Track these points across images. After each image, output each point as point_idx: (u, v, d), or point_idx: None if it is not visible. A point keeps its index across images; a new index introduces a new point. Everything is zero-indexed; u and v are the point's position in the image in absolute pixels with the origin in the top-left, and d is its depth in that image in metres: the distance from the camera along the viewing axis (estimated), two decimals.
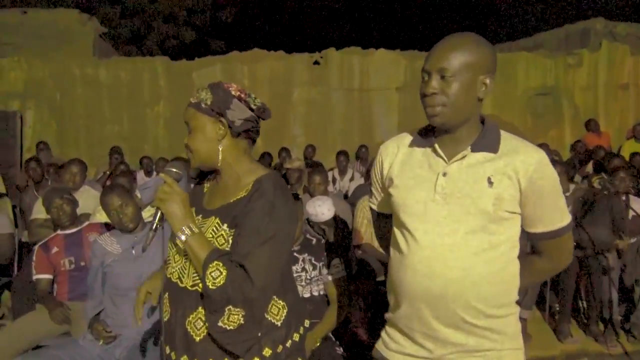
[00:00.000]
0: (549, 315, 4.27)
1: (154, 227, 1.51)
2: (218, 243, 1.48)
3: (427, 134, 1.52)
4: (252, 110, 1.57)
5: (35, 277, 3.24)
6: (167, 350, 1.56)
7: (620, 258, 4.12)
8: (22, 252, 4.39)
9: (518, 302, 1.50)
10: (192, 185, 1.77)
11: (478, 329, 1.41)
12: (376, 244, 3.74)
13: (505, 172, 1.39)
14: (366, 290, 3.55)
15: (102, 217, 3.53)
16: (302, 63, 8.89)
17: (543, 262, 1.54)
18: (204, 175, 1.71)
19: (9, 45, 9.19)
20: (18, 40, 9.36)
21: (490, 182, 1.38)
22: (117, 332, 2.68)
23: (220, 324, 1.43)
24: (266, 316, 1.51)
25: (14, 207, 5.21)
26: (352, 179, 6.56)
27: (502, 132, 1.47)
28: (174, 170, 1.54)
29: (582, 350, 3.94)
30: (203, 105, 1.53)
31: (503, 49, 11.22)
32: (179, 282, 1.54)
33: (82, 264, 3.21)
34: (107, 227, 3.33)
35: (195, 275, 1.49)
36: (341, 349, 2.72)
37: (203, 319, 1.47)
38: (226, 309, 1.42)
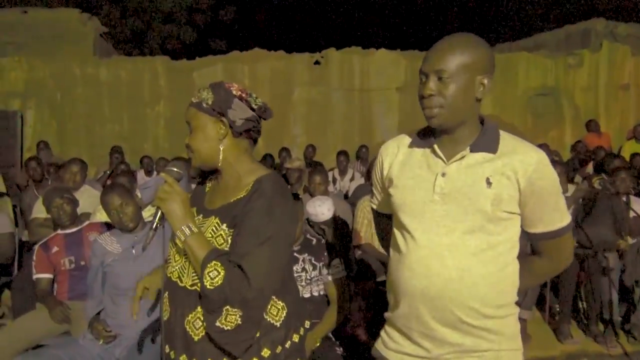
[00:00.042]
0: (549, 315, 4.27)
1: (154, 226, 1.52)
2: (217, 243, 1.48)
3: (426, 135, 1.52)
4: (253, 110, 1.57)
5: (35, 276, 3.24)
6: (167, 349, 1.57)
7: (621, 259, 4.12)
8: (22, 251, 4.39)
9: (518, 303, 1.50)
10: (192, 185, 1.78)
11: (475, 329, 1.41)
12: (376, 244, 3.75)
13: (504, 172, 1.39)
14: (366, 291, 3.55)
15: (102, 216, 3.53)
16: (302, 63, 8.89)
17: (543, 262, 1.54)
18: (206, 175, 1.71)
19: (10, 45, 9.20)
20: (18, 40, 9.37)
21: (488, 183, 1.39)
22: (117, 331, 2.69)
23: (217, 324, 1.43)
24: (265, 317, 1.51)
25: (14, 206, 5.21)
26: (352, 179, 6.56)
27: (502, 133, 1.47)
28: (175, 169, 1.54)
29: (582, 351, 3.94)
30: (204, 105, 1.53)
31: (503, 49, 11.22)
32: (178, 281, 1.54)
33: (82, 263, 3.22)
34: (108, 226, 3.33)
35: (194, 274, 1.49)
36: (341, 349, 2.72)
37: (202, 318, 1.47)
38: (224, 309, 1.42)
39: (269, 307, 1.52)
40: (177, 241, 1.50)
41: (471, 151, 1.43)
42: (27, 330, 3.03)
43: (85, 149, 8.35)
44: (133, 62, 9.18)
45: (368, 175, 4.90)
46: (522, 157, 1.39)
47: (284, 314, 1.55)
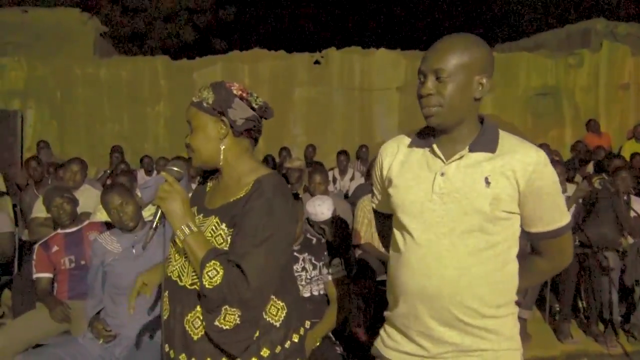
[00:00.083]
0: (549, 315, 4.27)
1: (154, 225, 1.52)
2: (217, 242, 1.49)
3: (426, 135, 1.53)
4: (253, 109, 1.57)
5: (35, 275, 3.24)
6: (166, 348, 1.57)
7: (622, 259, 4.12)
8: (22, 250, 4.39)
9: (518, 302, 1.50)
10: (192, 185, 1.78)
11: (474, 328, 1.41)
12: (376, 243, 3.75)
13: (503, 172, 1.39)
14: (366, 290, 3.55)
15: (102, 216, 3.53)
16: (302, 62, 8.89)
17: (543, 262, 1.54)
18: (208, 174, 1.71)
19: (10, 45, 9.20)
20: (19, 40, 9.37)
21: (487, 182, 1.39)
22: (117, 331, 2.69)
23: (216, 323, 1.43)
24: (264, 317, 1.51)
25: (14, 205, 5.21)
26: (352, 179, 6.56)
27: (501, 132, 1.47)
28: (175, 169, 1.55)
29: (582, 351, 3.94)
30: (205, 105, 1.53)
31: (504, 49, 11.21)
32: (178, 280, 1.55)
33: (83, 262, 3.22)
34: (108, 226, 3.33)
35: (194, 274, 1.49)
36: (341, 348, 2.72)
37: (201, 318, 1.47)
38: (222, 309, 1.42)
39: (269, 307, 1.52)
40: (177, 240, 1.50)
41: (470, 151, 1.43)
42: (27, 330, 3.03)
43: (86, 148, 8.35)
44: (133, 61, 9.17)
45: (368, 175, 4.91)
46: (522, 157, 1.39)
47: (284, 314, 1.54)
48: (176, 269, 1.57)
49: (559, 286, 4.07)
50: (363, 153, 7.52)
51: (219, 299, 1.40)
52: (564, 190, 4.51)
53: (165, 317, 1.58)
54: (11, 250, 4.15)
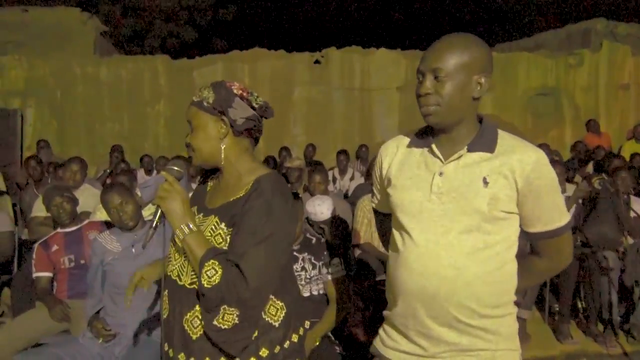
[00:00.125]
0: (549, 315, 4.27)
1: (154, 225, 1.52)
2: (216, 242, 1.49)
3: (425, 135, 1.53)
4: (254, 109, 1.57)
5: (35, 275, 3.24)
6: (166, 347, 1.57)
7: (622, 259, 4.12)
8: (22, 250, 4.39)
9: (517, 303, 1.50)
10: (192, 184, 1.78)
11: (472, 328, 1.41)
12: (376, 243, 3.75)
13: (501, 171, 1.39)
14: (365, 290, 3.55)
15: (102, 215, 3.53)
16: (302, 62, 8.89)
17: (543, 262, 1.54)
18: (208, 174, 1.71)
19: (10, 44, 9.20)
20: (19, 39, 9.37)
21: (485, 182, 1.39)
22: (117, 330, 2.69)
23: (215, 322, 1.43)
24: (263, 316, 1.51)
25: (14, 205, 5.21)
26: (352, 179, 6.57)
27: (500, 132, 1.47)
28: (175, 168, 1.55)
29: (582, 351, 3.94)
30: (205, 104, 1.53)
31: (504, 49, 11.21)
32: (177, 279, 1.55)
33: (82, 262, 3.22)
34: (107, 225, 3.33)
35: (193, 273, 1.49)
36: (340, 347, 2.73)
37: (200, 317, 1.47)
38: (221, 308, 1.42)
39: (268, 306, 1.52)
40: (176, 240, 1.51)
41: (469, 151, 1.43)
42: (26, 329, 3.03)
43: (85, 147, 8.35)
44: (133, 61, 9.18)
45: (368, 175, 4.91)
46: (520, 157, 1.40)
47: (283, 313, 1.54)
48: (176, 268, 1.57)
49: (559, 286, 4.07)
50: (363, 153, 7.52)
51: (218, 298, 1.40)
52: (564, 191, 4.51)
53: (164, 316, 1.58)
54: (11, 249, 4.15)
